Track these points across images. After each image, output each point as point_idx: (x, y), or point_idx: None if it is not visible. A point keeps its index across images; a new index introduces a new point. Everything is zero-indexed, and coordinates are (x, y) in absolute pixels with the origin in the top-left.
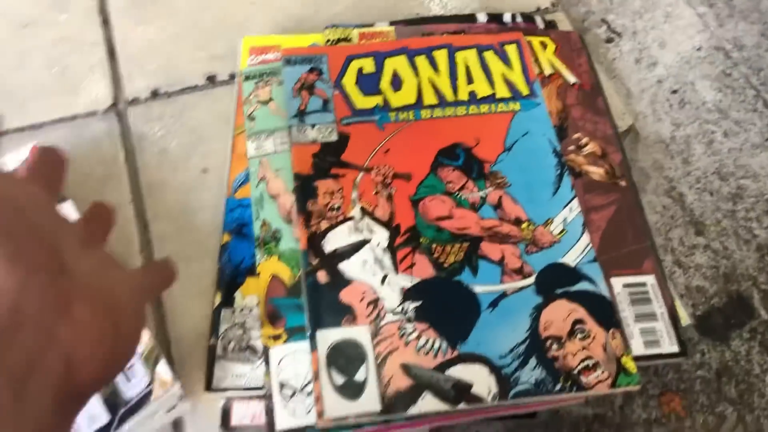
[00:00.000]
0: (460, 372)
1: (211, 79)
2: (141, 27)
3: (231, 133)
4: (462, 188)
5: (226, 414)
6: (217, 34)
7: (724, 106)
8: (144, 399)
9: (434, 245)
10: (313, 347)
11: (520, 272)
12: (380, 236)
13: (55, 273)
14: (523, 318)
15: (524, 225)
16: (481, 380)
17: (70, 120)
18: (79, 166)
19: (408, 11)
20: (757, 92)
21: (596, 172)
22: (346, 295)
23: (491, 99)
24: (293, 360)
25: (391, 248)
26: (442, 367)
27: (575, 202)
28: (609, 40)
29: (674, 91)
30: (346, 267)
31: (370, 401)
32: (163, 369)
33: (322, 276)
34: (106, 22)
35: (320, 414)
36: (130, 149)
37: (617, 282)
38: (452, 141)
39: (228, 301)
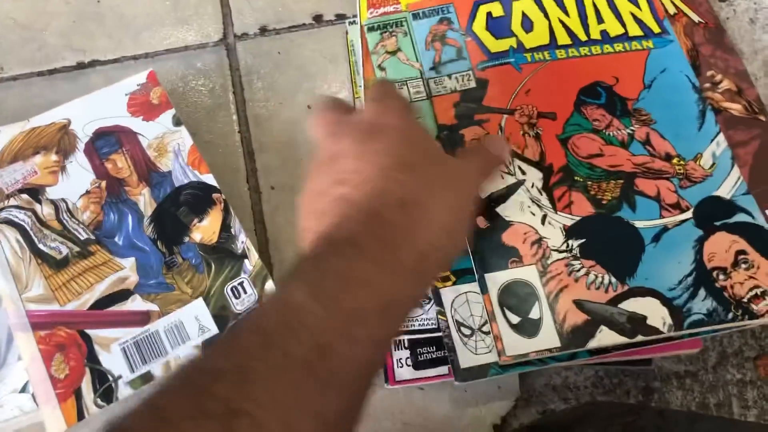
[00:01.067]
0: (632, 305)
1: (318, 19)
2: None
3: (338, 72)
4: (608, 126)
5: None
6: None
7: None
8: None
9: (590, 183)
10: (484, 291)
11: (678, 207)
12: (534, 177)
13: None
14: (687, 251)
15: (675, 160)
16: (654, 313)
17: (182, 50)
18: (189, 96)
19: None
20: None
21: (735, 108)
22: (508, 238)
23: (624, 37)
24: (465, 300)
25: (547, 188)
26: (614, 301)
27: (721, 136)
28: None
29: None
30: (504, 210)
31: (548, 337)
32: (270, 288)
33: (481, 221)
34: None
35: (501, 353)
36: (238, 82)
37: None
38: (592, 80)
39: None
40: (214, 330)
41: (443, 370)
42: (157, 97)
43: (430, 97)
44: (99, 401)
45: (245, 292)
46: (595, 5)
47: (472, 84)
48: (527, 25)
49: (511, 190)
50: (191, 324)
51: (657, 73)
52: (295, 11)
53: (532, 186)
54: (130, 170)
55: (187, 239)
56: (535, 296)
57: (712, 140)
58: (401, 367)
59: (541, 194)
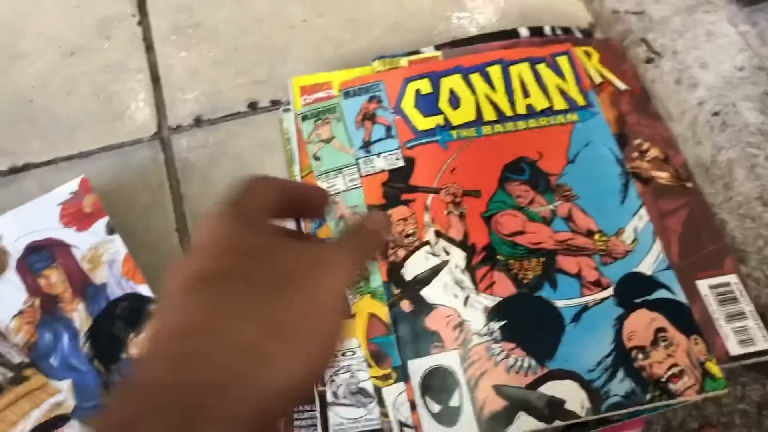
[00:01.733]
0: (551, 389)
1: (253, 106)
2: (183, 53)
3: (275, 161)
4: (531, 202)
5: None
6: (257, 59)
7: (766, 128)
8: None
9: (511, 261)
10: (406, 378)
11: (599, 284)
12: (457, 257)
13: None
14: (607, 330)
15: (597, 236)
16: (572, 396)
17: (117, 148)
18: (125, 195)
19: (446, 34)
20: None
21: (663, 176)
22: (431, 322)
23: (549, 111)
24: (404, 400)
25: (470, 268)
26: (534, 384)
27: (643, 210)
28: (649, 60)
29: (715, 113)
30: (428, 293)
31: (467, 426)
32: None
33: (405, 305)
34: (149, 48)
35: None
36: (174, 177)
37: (703, 284)
38: (516, 155)
39: None
40: None
41: None
42: (90, 204)
43: (360, 176)
44: None
45: None
46: (521, 79)
47: (400, 163)
48: (454, 101)
49: (434, 271)
50: None
51: (581, 147)
52: (230, 99)
53: (456, 267)
54: (65, 285)
55: (124, 355)
56: (456, 383)
57: (635, 214)
58: None
59: (464, 274)
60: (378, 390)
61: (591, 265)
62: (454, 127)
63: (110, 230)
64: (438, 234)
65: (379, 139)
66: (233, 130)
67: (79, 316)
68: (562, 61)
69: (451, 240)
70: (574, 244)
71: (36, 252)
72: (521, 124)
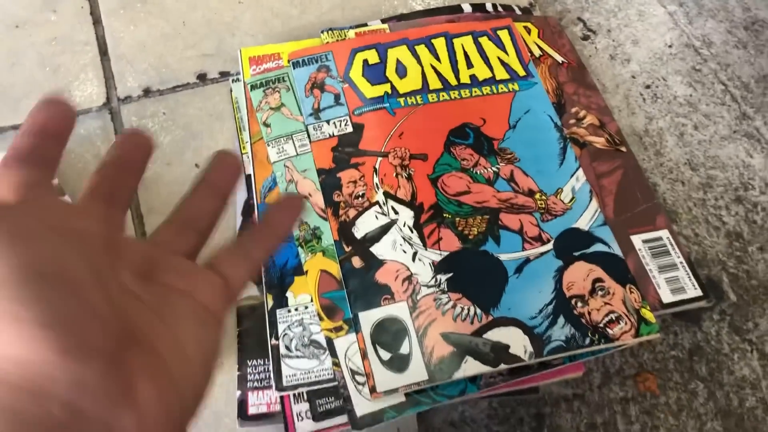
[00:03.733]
0: (496, 335)
1: (202, 78)
2: (132, 26)
3: (224, 129)
4: (476, 165)
5: (242, 405)
6: (206, 33)
7: (694, 100)
8: None
9: (457, 219)
10: (358, 329)
11: (539, 239)
12: (405, 216)
13: (113, 353)
14: (547, 280)
15: (537, 195)
16: (516, 341)
17: None
18: (74, 163)
19: (392, 10)
20: (725, 86)
21: (598, 141)
22: (381, 276)
23: (491, 81)
24: (356, 350)
25: (418, 226)
26: (479, 332)
27: (580, 172)
28: (585, 38)
29: (647, 86)
30: (378, 249)
31: (416, 371)
32: None
33: (356, 261)
34: (97, 22)
35: (372, 389)
36: None
37: (636, 239)
38: (461, 121)
39: (281, 301)
40: None
41: (343, 419)
42: None
43: (311, 142)
44: None
45: None
46: (465, 51)
47: (349, 129)
48: (401, 71)
49: (384, 229)
50: None
51: (521, 114)
52: (179, 71)
53: (404, 225)
54: None
55: None
56: (405, 332)
57: (572, 175)
58: (301, 420)
59: (413, 232)
60: (330, 341)
61: (532, 222)
62: (401, 95)
63: (60, 192)
64: (387, 195)
65: (329, 107)
66: (182, 101)
67: None
68: (504, 35)
69: (399, 200)
70: (516, 202)
71: None
72: (465, 93)
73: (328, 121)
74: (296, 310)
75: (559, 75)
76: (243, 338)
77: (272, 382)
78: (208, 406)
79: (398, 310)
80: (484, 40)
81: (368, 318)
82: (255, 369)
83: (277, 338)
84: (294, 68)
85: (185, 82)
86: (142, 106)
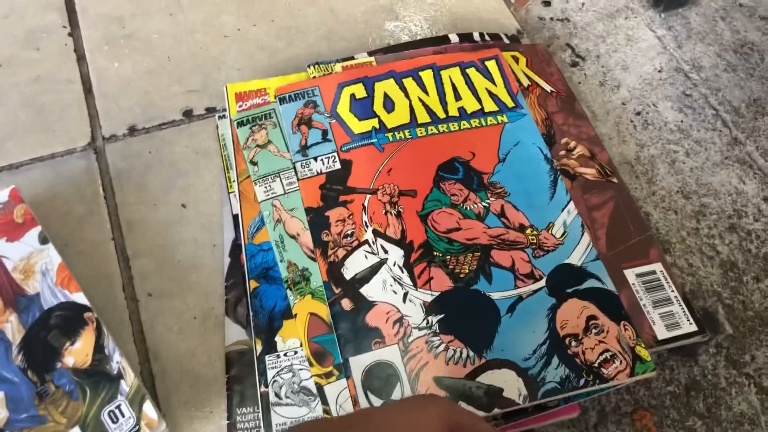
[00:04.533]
0: (489, 378)
1: (188, 114)
2: (116, 63)
3: (211, 167)
4: (465, 200)
5: None
6: (191, 68)
7: (685, 126)
8: None
9: (448, 257)
10: (348, 374)
11: (532, 276)
12: (395, 255)
13: None
14: (541, 319)
15: (528, 230)
16: (510, 384)
17: (48, 158)
18: (59, 205)
19: (379, 40)
20: (716, 111)
21: (589, 172)
22: (371, 318)
23: (480, 113)
24: (347, 396)
25: (408, 265)
26: (473, 375)
27: (572, 205)
28: (574, 64)
29: (638, 113)
30: (368, 290)
31: None
32: (149, 409)
33: (346, 303)
34: (81, 58)
35: None
36: (109, 186)
37: (630, 273)
38: (450, 156)
39: (270, 347)
40: None
41: None
42: (20, 215)
43: (298, 180)
44: None
45: (122, 416)
46: (452, 83)
47: (337, 165)
48: (389, 105)
49: (374, 270)
50: None
51: (511, 147)
52: (165, 108)
53: (394, 264)
54: None
55: (59, 365)
56: (396, 377)
57: (563, 209)
58: None
59: (403, 272)
60: (320, 388)
61: (524, 258)
62: (389, 130)
63: (43, 240)
64: (376, 233)
65: (316, 143)
66: (168, 138)
67: (12, 327)
68: (491, 66)
69: (389, 238)
70: (507, 238)
71: None
72: (454, 126)
73: (315, 158)
74: (285, 355)
75: (549, 105)
76: (232, 385)
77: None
78: None
79: (390, 354)
80: (471, 71)
81: (359, 363)
82: (245, 417)
83: (266, 386)
84: (281, 104)
85: (171, 119)
86: (127, 145)
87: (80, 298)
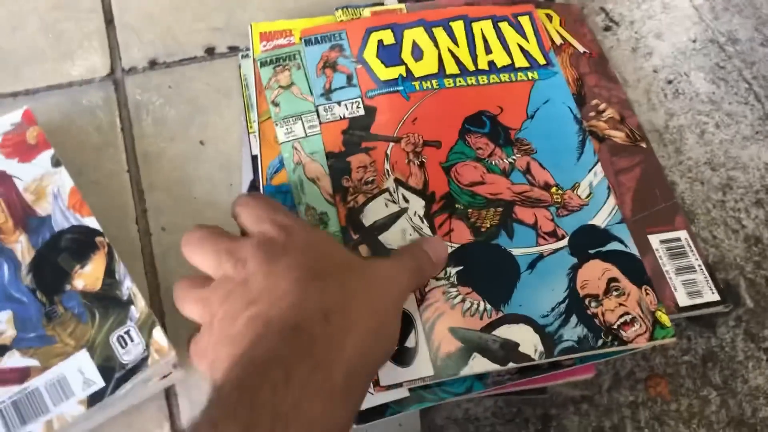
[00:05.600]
0: (505, 332)
1: (210, 51)
2: None
3: (231, 106)
4: (491, 154)
5: None
6: (216, 5)
7: (717, 97)
8: (139, 365)
9: (470, 210)
10: None
11: (554, 235)
12: (416, 205)
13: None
14: (561, 278)
15: (553, 189)
16: (526, 339)
17: (66, 87)
18: (74, 134)
19: None
20: (749, 85)
21: (618, 135)
22: None
23: (510, 68)
24: None
25: (428, 216)
26: (489, 328)
27: (599, 167)
28: (607, 29)
29: (669, 81)
30: (387, 238)
31: (422, 366)
32: (159, 336)
33: (363, 250)
34: None
35: (375, 383)
36: (127, 118)
37: (654, 239)
38: (477, 109)
39: None
40: (99, 383)
41: None
42: (33, 137)
43: (320, 124)
44: None
45: (132, 341)
46: (483, 36)
47: (361, 111)
48: (417, 53)
49: (393, 218)
50: (75, 378)
51: (540, 104)
52: (186, 43)
53: (415, 214)
54: (5, 216)
55: (68, 287)
56: (411, 325)
57: (590, 170)
58: None
59: (423, 222)
60: None
61: (547, 217)
62: (416, 79)
63: (55, 162)
64: (398, 182)
65: (340, 87)
66: (189, 75)
67: (21, 248)
68: (524, 21)
69: (410, 188)
70: (532, 195)
71: None
72: (483, 79)
73: (339, 103)
74: None
75: (580, 65)
76: None
77: None
78: (204, 393)
79: (406, 302)
80: (504, 26)
81: None
82: None
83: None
84: (306, 46)
85: (193, 56)
86: (147, 78)
87: (92, 222)
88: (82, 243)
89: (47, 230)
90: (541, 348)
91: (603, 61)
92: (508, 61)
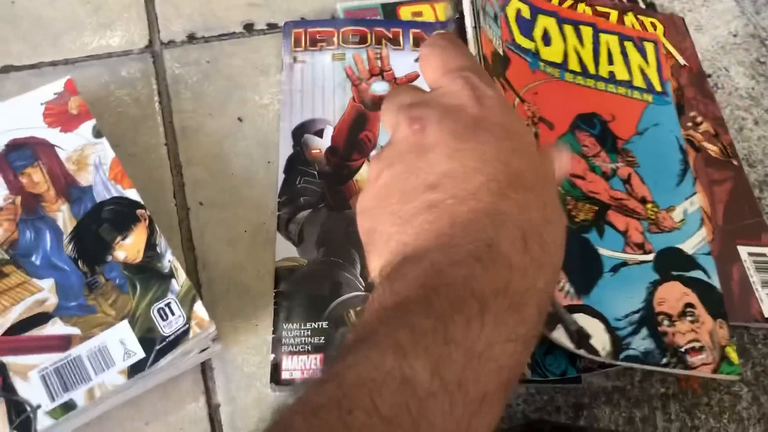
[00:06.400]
0: (582, 321)
1: (248, 28)
2: None
3: (270, 85)
4: (596, 155)
5: (276, 369)
6: None
7: (756, 93)
8: (180, 338)
9: (568, 198)
10: None
11: (641, 247)
12: None
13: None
14: (640, 289)
15: (649, 205)
16: (598, 335)
17: (105, 57)
18: (112, 105)
19: None
20: None
21: (712, 149)
22: None
23: (628, 84)
24: None
25: None
26: (571, 309)
27: (696, 198)
28: None
29: (708, 75)
30: None
31: None
32: (200, 309)
33: None
34: None
35: None
36: (165, 92)
37: (743, 250)
38: (590, 110)
39: None
40: (140, 354)
41: None
42: (75, 106)
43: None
44: None
45: (172, 314)
46: (608, 48)
47: (501, 52)
48: (546, 39)
49: None
50: (116, 348)
51: (650, 125)
52: (225, 18)
53: None
54: (48, 185)
55: (110, 258)
56: None
57: (687, 198)
58: None
59: None
60: None
61: (638, 229)
62: (542, 60)
63: (97, 133)
64: None
65: (490, 16)
66: (227, 50)
67: (63, 217)
68: (649, 47)
69: None
70: (628, 205)
71: (17, 149)
72: (601, 85)
73: (489, 27)
74: None
75: (681, 77)
76: (280, 300)
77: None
78: (240, 368)
79: None
80: (629, 45)
81: None
82: (290, 332)
83: None
84: None
85: (231, 31)
86: (185, 52)
87: (133, 194)
88: (123, 214)
89: (89, 201)
90: (609, 348)
91: (702, 77)
92: (627, 77)
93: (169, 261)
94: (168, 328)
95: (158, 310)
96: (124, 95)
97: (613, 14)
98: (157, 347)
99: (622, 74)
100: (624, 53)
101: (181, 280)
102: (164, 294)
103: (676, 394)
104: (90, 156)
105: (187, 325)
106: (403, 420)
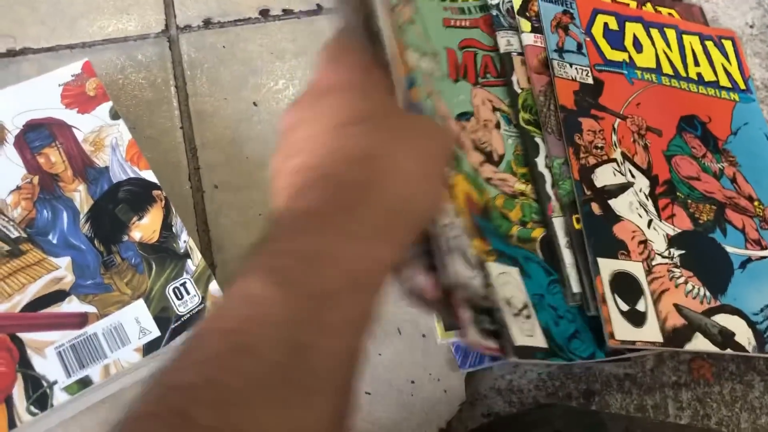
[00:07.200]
0: (722, 320)
1: (264, 13)
2: None
3: (285, 71)
4: (704, 156)
5: None
6: None
7: None
8: (195, 316)
9: (689, 201)
10: (596, 272)
11: (759, 243)
12: (642, 182)
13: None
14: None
15: (756, 203)
16: (740, 331)
17: (121, 41)
18: (129, 89)
19: None
20: None
21: None
22: (618, 231)
23: (715, 85)
24: (505, 281)
25: (653, 196)
26: (708, 313)
27: None
28: None
29: None
30: (615, 204)
31: (652, 331)
32: (215, 289)
33: (595, 207)
34: None
35: (611, 335)
36: (181, 75)
37: None
38: (690, 112)
39: None
40: (155, 332)
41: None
42: (93, 88)
43: (553, 77)
44: (32, 409)
45: (188, 293)
46: (693, 49)
47: (590, 80)
48: (638, 46)
49: (621, 188)
50: (131, 326)
51: (741, 124)
52: (241, 4)
53: (640, 191)
54: (65, 165)
55: (126, 238)
56: (641, 291)
57: None
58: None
59: (648, 200)
60: (481, 260)
61: (752, 226)
62: (638, 68)
63: (114, 115)
64: (625, 156)
65: (572, 51)
66: (243, 35)
67: (80, 197)
68: (728, 45)
69: (636, 165)
70: (739, 203)
71: (35, 130)
72: (692, 87)
73: (571, 64)
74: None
75: None
76: None
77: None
78: None
79: (634, 268)
80: (710, 45)
81: (607, 266)
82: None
83: None
84: (543, 1)
85: (247, 17)
86: (201, 37)
87: (149, 175)
88: (139, 195)
89: (105, 181)
90: (754, 342)
91: None
92: (713, 78)
93: (185, 241)
94: (183, 307)
95: (174, 290)
96: (141, 79)
97: (632, 4)
98: (173, 326)
99: (708, 75)
100: (707, 53)
101: (196, 260)
102: (180, 273)
103: (688, 382)
104: (107, 137)
105: (202, 305)
106: (245, 327)
